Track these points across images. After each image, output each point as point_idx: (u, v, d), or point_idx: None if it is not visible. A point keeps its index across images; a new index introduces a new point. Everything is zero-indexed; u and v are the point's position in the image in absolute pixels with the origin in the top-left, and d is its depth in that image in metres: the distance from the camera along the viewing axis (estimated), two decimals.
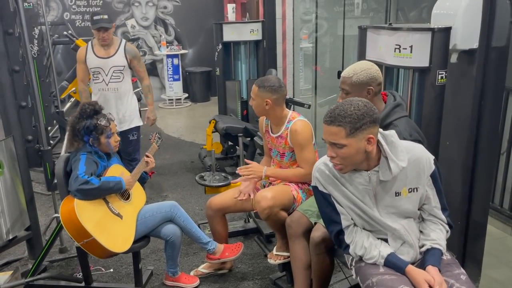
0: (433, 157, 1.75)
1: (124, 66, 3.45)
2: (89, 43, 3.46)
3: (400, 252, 1.74)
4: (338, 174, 1.75)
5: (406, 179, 1.70)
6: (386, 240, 1.77)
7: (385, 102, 2.10)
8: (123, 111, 3.50)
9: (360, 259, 1.77)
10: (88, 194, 2.20)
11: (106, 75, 3.41)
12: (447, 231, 1.79)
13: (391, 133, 1.70)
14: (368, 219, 1.75)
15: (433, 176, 1.73)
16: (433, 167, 1.73)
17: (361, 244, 1.75)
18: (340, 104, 1.64)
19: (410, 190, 1.71)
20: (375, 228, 1.77)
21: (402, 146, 1.69)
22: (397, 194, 1.71)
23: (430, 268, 1.65)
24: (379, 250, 1.72)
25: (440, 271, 1.65)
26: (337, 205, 1.79)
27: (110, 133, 2.39)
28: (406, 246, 1.74)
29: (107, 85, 3.42)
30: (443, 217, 1.78)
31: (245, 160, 2.59)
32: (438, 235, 1.74)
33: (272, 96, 2.43)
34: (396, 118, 2.01)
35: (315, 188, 1.85)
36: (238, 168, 2.51)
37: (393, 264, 1.69)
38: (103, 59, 3.40)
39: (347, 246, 1.79)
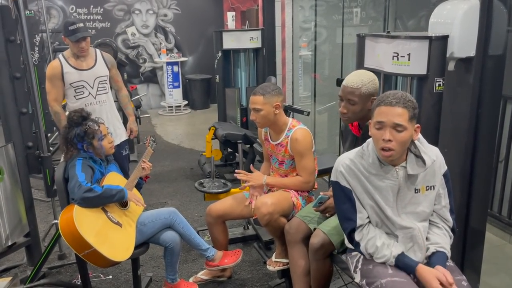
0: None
1: (107, 75, 3.17)
2: (60, 57, 3.05)
3: (407, 253, 1.74)
4: (364, 170, 1.77)
5: (425, 176, 1.74)
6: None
7: None
8: (113, 123, 3.20)
9: (370, 257, 1.78)
10: (91, 202, 2.20)
11: (92, 88, 3.07)
12: (451, 237, 1.80)
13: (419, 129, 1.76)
14: (384, 217, 1.77)
15: (445, 175, 1.78)
16: (446, 167, 1.78)
17: (373, 242, 1.76)
18: (393, 91, 1.69)
19: (427, 188, 1.75)
20: (388, 228, 1.78)
21: (428, 144, 1.76)
22: (416, 191, 1.74)
23: (439, 267, 1.65)
24: (391, 250, 1.73)
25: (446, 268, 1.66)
26: (357, 202, 1.80)
27: (101, 136, 2.39)
28: (415, 248, 1.75)
29: (95, 98, 3.09)
30: (450, 218, 1.80)
31: (251, 167, 2.58)
32: (442, 239, 1.76)
33: (279, 98, 2.45)
34: None
35: (336, 183, 1.84)
36: (236, 171, 2.50)
37: (404, 263, 1.70)
38: (85, 71, 3.05)
39: (358, 243, 1.80)
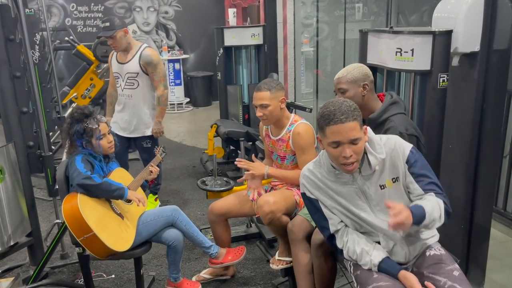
0: (411, 145, 1.72)
1: (137, 73, 3.33)
2: None
3: (392, 252, 1.73)
4: (324, 178, 1.77)
5: (386, 170, 1.70)
6: (379, 242, 1.76)
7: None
8: (135, 119, 3.43)
9: (356, 263, 1.77)
10: (88, 190, 2.19)
11: (123, 81, 3.38)
12: (443, 203, 1.63)
13: (367, 129, 1.71)
14: (358, 220, 1.75)
15: (408, 161, 1.69)
16: (407, 153, 1.69)
17: (353, 249, 1.76)
18: (333, 103, 1.63)
19: (393, 180, 1.71)
20: (366, 229, 1.77)
21: (378, 140, 1.70)
22: (383, 187, 1.71)
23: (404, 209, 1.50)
24: (370, 258, 1.71)
25: (412, 215, 1.51)
26: (324, 210, 1.80)
27: (100, 135, 2.38)
28: (398, 247, 1.74)
29: (122, 91, 3.41)
30: (433, 192, 1.66)
31: (253, 157, 2.55)
32: (423, 201, 1.62)
33: (283, 93, 2.46)
34: (393, 114, 2.06)
35: (303, 194, 1.87)
36: (237, 159, 2.48)
37: (386, 270, 1.69)
38: (120, 64, 3.37)
39: (341, 250, 1.80)
